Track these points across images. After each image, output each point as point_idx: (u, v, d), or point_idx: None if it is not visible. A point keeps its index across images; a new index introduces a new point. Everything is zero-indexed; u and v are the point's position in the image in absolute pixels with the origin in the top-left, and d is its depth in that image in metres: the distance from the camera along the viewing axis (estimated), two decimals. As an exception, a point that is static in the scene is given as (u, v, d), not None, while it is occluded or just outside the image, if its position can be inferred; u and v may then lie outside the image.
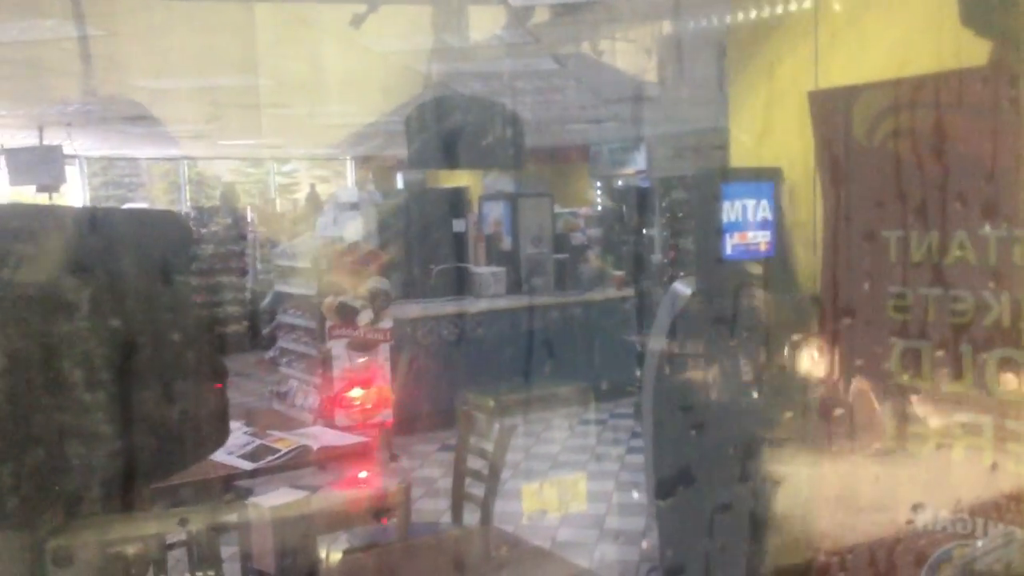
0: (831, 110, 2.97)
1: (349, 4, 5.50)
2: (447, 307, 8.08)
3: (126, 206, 13.31)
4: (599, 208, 14.21)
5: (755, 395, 3.51)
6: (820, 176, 3.07)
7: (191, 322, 1.54)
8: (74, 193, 14.01)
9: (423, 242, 8.54)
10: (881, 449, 2.72)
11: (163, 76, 8.08)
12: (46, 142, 11.23)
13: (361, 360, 7.04)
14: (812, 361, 3.15)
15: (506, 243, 9.04)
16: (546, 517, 5.44)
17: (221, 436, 1.67)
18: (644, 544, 5.15)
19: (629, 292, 8.74)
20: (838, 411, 2.81)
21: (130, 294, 1.35)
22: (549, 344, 8.42)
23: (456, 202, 8.92)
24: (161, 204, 16.76)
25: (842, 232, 2.92)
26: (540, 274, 8.78)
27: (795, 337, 3.35)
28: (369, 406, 6.93)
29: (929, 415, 2.65)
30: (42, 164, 10.84)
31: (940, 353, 2.62)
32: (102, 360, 1.29)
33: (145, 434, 1.38)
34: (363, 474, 4.45)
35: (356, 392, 6.92)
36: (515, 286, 8.67)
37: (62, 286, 1.27)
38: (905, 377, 2.71)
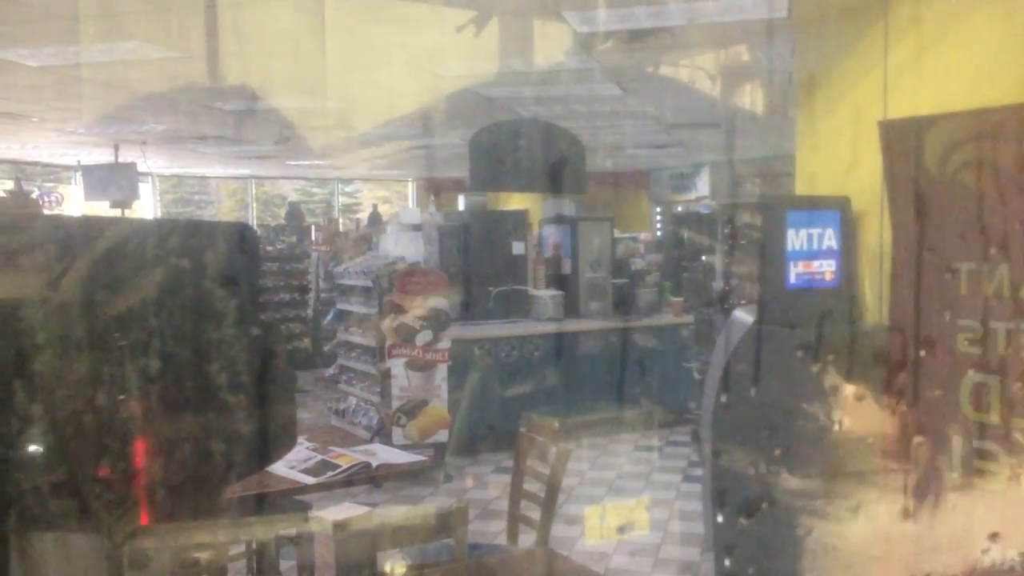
0: (902, 140, 2.94)
1: (419, 31, 5.60)
2: (505, 329, 8.12)
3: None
4: (659, 233, 14.15)
5: (817, 424, 3.46)
6: (890, 206, 3.04)
7: (272, 330, 1.60)
8: (146, 209, 14.41)
9: (483, 264, 8.60)
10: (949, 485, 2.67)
11: (235, 98, 8.30)
12: (121, 160, 11.59)
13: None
14: (875, 391, 3.10)
15: (565, 267, 9.05)
16: (603, 542, 5.42)
17: (291, 441, 1.72)
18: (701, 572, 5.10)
19: (688, 319, 8.68)
20: (904, 433, 2.77)
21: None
22: (607, 369, 8.40)
23: (516, 225, 8.96)
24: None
25: (912, 263, 2.88)
26: (599, 298, 8.77)
27: (859, 367, 3.31)
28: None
29: (1000, 450, 2.59)
30: (117, 181, 11.18)
31: (1013, 387, 2.57)
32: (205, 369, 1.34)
33: (232, 437, 1.43)
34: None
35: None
36: (573, 310, 8.68)
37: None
38: (976, 411, 2.66)
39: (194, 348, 1.38)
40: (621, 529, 5.25)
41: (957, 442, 2.68)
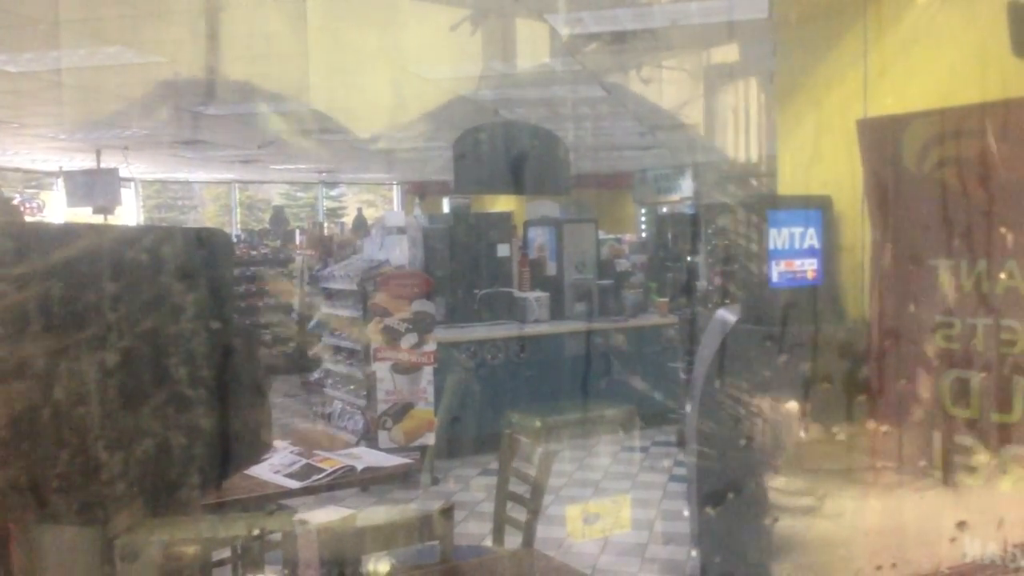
0: (880, 138, 2.97)
1: (395, 31, 5.60)
2: (490, 331, 8.12)
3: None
4: (644, 234, 14.20)
5: (797, 422, 3.48)
6: (869, 204, 3.06)
7: (239, 333, 1.60)
8: (129, 215, 14.34)
9: (468, 266, 8.60)
10: (920, 477, 2.69)
11: (217, 102, 8.28)
12: (103, 165, 11.53)
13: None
14: (855, 387, 3.12)
15: (550, 268, 9.06)
16: (588, 542, 5.42)
17: (266, 444, 1.73)
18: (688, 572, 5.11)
19: (673, 319, 8.70)
20: (883, 429, 2.79)
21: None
22: (592, 370, 8.41)
23: (501, 227, 8.96)
24: (212, 226, 17.03)
25: (891, 260, 2.90)
26: (584, 300, 8.78)
27: (839, 364, 3.33)
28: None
29: (977, 446, 2.61)
30: (99, 186, 11.12)
31: (989, 383, 2.59)
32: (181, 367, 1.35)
33: (205, 439, 1.43)
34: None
35: None
36: (559, 311, 8.68)
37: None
38: (953, 407, 2.68)
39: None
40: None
41: (937, 437, 2.70)
